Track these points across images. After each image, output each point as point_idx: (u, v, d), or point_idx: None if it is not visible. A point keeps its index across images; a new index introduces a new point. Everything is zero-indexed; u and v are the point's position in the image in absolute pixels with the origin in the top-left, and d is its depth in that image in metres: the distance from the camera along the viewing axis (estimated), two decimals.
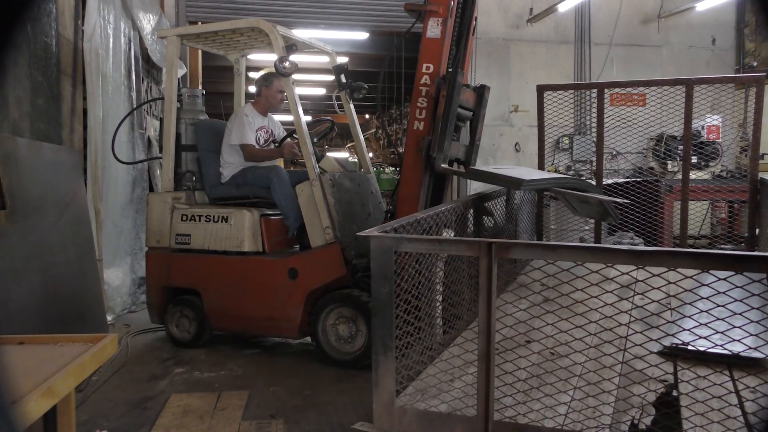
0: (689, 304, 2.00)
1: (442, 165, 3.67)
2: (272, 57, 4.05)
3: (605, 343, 2.39)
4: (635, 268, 1.86)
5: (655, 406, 2.11)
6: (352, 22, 8.02)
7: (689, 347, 2.39)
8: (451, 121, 3.68)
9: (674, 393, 2.19)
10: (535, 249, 2.19)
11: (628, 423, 2.04)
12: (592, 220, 5.31)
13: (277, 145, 4.51)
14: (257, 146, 4.35)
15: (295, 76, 4.05)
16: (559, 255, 2.01)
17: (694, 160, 6.49)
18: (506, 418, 2.10)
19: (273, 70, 4.11)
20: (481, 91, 4.11)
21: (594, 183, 4.99)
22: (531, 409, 2.11)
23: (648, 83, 5.33)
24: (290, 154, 4.29)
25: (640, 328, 2.47)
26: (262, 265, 4.10)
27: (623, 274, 2.11)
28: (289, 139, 4.50)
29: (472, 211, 3.73)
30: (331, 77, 4.94)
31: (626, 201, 4.78)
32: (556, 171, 7.10)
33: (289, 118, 4.13)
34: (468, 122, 4.15)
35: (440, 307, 2.85)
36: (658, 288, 1.94)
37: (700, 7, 8.09)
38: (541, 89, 5.27)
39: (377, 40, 9.07)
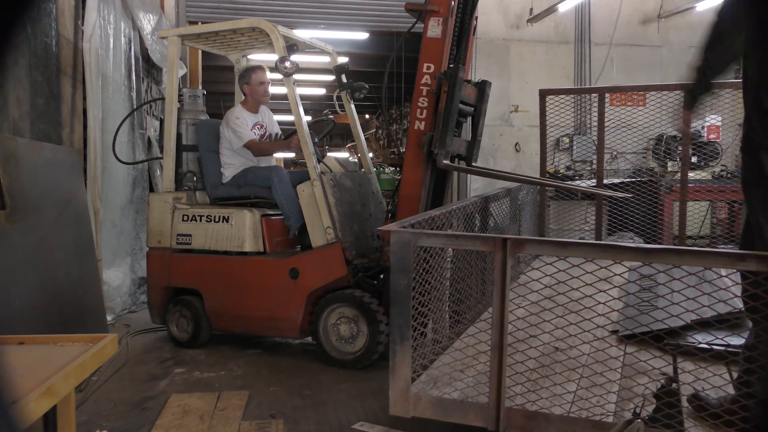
0: (693, 299, 2.04)
1: (444, 161, 3.67)
2: (273, 57, 4.05)
3: (608, 336, 2.49)
4: (641, 264, 1.94)
5: (656, 396, 2.17)
6: (352, 22, 8.01)
7: (688, 342, 2.48)
8: (453, 116, 3.67)
9: (674, 385, 2.24)
10: (547, 245, 2.26)
11: (631, 411, 2.11)
12: (592, 220, 5.34)
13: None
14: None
15: (296, 76, 4.05)
16: (569, 251, 2.06)
17: (694, 160, 6.49)
18: (516, 405, 2.21)
19: (249, 66, 4.10)
20: (482, 87, 4.11)
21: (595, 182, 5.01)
22: (540, 397, 2.22)
23: (647, 88, 5.35)
24: (296, 147, 4.29)
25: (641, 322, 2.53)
26: (263, 265, 4.09)
27: (628, 271, 2.17)
28: (294, 136, 4.50)
29: (480, 210, 3.75)
30: (331, 77, 4.93)
31: (629, 195, 4.80)
32: (556, 171, 7.10)
33: (289, 118, 4.12)
34: (469, 118, 4.15)
35: (448, 301, 2.94)
36: (663, 284, 1.99)
37: (700, 7, 8.09)
38: (544, 94, 5.30)
39: (377, 40, 9.06)
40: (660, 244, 5.23)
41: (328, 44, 4.77)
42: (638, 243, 5.15)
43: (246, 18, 4.82)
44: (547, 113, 5.31)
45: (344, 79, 4.31)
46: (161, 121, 5.59)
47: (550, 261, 2.21)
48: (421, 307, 2.42)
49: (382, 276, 3.92)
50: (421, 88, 3.78)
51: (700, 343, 2.45)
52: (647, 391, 2.26)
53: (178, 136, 4.48)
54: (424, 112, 3.78)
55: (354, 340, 3.85)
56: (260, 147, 4.34)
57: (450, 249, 2.73)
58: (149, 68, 6.13)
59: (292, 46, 3.95)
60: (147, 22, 5.74)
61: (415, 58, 3.82)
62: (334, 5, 7.85)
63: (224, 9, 7.53)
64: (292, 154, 4.78)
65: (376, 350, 3.76)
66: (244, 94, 4.49)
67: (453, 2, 3.78)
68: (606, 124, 5.13)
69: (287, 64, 3.89)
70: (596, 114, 5.21)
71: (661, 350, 2.53)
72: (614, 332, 2.86)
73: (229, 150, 4.34)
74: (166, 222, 4.32)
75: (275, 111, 4.82)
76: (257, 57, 5.33)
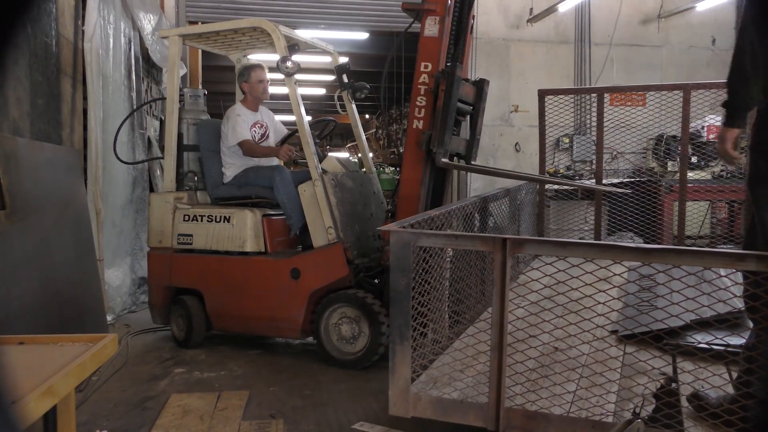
0: (693, 299, 2.05)
1: (443, 159, 3.67)
2: (274, 57, 4.05)
3: (608, 336, 2.49)
4: (641, 264, 1.94)
5: (656, 396, 2.18)
6: (352, 22, 8.01)
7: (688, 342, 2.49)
8: (451, 114, 3.67)
9: (673, 385, 2.25)
10: (547, 245, 2.26)
11: (631, 411, 2.12)
12: (591, 220, 5.35)
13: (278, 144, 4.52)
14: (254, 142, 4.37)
15: (297, 76, 4.05)
16: (569, 251, 2.06)
17: (694, 159, 6.49)
18: (516, 405, 2.22)
19: (249, 64, 4.10)
20: (480, 85, 4.11)
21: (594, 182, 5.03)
22: (540, 397, 2.22)
23: (647, 88, 5.35)
24: (286, 156, 4.29)
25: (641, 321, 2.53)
26: (265, 266, 4.09)
27: (628, 271, 2.17)
28: (286, 144, 4.48)
29: (479, 209, 3.75)
30: (331, 77, 4.94)
31: (628, 191, 4.82)
32: (555, 171, 7.11)
33: (290, 118, 4.12)
34: (468, 117, 4.15)
35: (448, 301, 2.94)
36: (662, 284, 1.99)
37: (700, 7, 8.09)
38: (543, 94, 5.30)
39: (377, 40, 9.07)
40: (660, 244, 5.23)
41: (328, 44, 4.77)
42: (638, 243, 5.16)
43: (246, 18, 4.82)
44: (547, 113, 5.31)
45: (345, 79, 4.31)
46: (161, 121, 5.59)
47: (550, 261, 2.22)
48: (421, 307, 2.43)
49: (384, 275, 3.92)
50: (419, 87, 3.78)
51: (700, 343, 2.46)
52: (647, 391, 2.26)
53: (179, 135, 4.48)
54: (423, 110, 3.78)
55: (355, 340, 3.85)
56: (251, 148, 4.32)
57: (449, 249, 2.73)
58: (149, 68, 6.13)
59: (294, 46, 3.95)
60: (147, 22, 5.74)
61: (414, 58, 3.82)
62: (334, 5, 7.85)
63: (224, 9, 7.53)
64: None
65: (377, 351, 3.75)
66: (243, 92, 4.49)
67: (450, 1, 3.78)
68: (606, 124, 5.13)
69: (289, 63, 3.89)
70: (596, 114, 5.21)
71: (661, 350, 2.54)
72: (614, 332, 2.87)
73: (230, 149, 4.34)
74: (167, 222, 4.33)
75: (276, 111, 4.81)
76: (258, 57, 5.33)
